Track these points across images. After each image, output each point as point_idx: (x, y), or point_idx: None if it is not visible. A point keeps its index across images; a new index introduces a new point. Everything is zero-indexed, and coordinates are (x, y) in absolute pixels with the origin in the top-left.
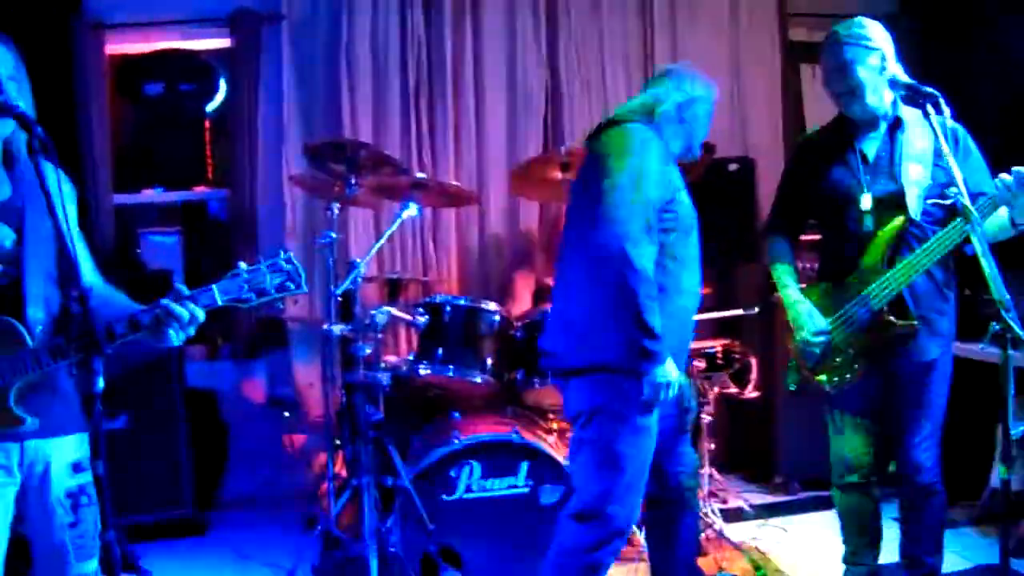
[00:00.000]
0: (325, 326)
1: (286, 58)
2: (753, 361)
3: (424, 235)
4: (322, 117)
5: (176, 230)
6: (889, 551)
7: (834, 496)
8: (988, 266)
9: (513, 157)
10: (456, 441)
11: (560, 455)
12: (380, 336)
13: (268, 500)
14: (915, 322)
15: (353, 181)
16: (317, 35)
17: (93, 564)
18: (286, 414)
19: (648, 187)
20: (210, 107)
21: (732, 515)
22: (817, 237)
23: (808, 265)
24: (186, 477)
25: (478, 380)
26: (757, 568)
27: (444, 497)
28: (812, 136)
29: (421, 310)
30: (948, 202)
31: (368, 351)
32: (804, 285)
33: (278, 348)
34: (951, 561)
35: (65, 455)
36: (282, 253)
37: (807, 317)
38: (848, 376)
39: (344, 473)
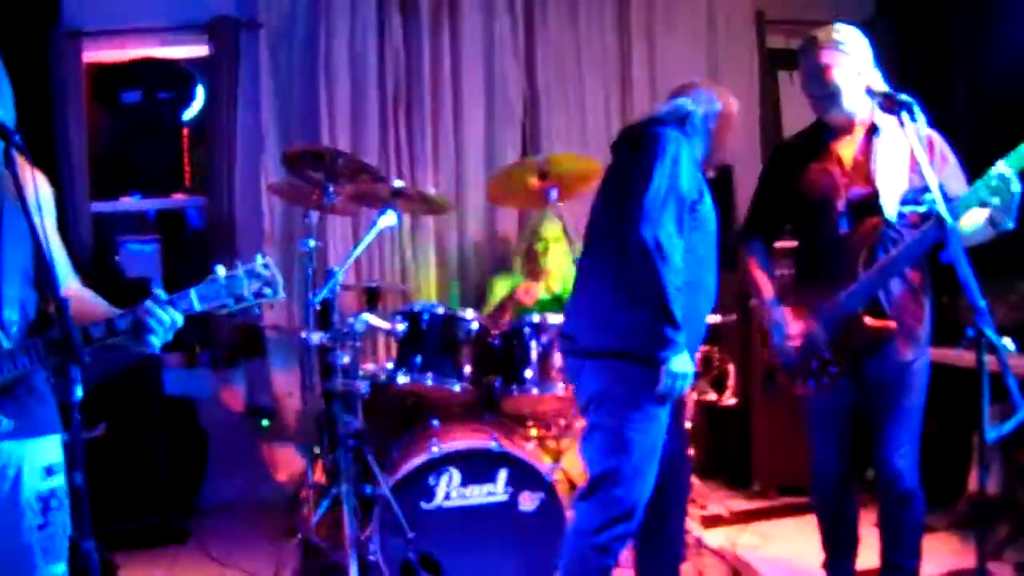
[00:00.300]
0: (303, 334)
1: (264, 66)
2: (731, 368)
3: (402, 242)
4: (300, 125)
5: (154, 238)
6: (868, 557)
7: (813, 501)
8: (963, 272)
9: (491, 164)
10: (435, 449)
11: (538, 463)
12: (358, 344)
13: (247, 508)
14: (890, 323)
15: (331, 189)
16: (295, 43)
17: (61, 567)
18: (264, 422)
19: (681, 187)
20: (188, 115)
21: (711, 521)
22: (792, 244)
23: (784, 272)
24: (164, 485)
25: (456, 388)
26: (736, 574)
27: (423, 505)
28: (789, 141)
29: (399, 318)
30: (923, 209)
31: (346, 359)
32: (780, 290)
33: (256, 356)
34: (929, 566)
35: (38, 458)
36: (259, 258)
37: (782, 321)
38: (825, 381)
39: (323, 481)
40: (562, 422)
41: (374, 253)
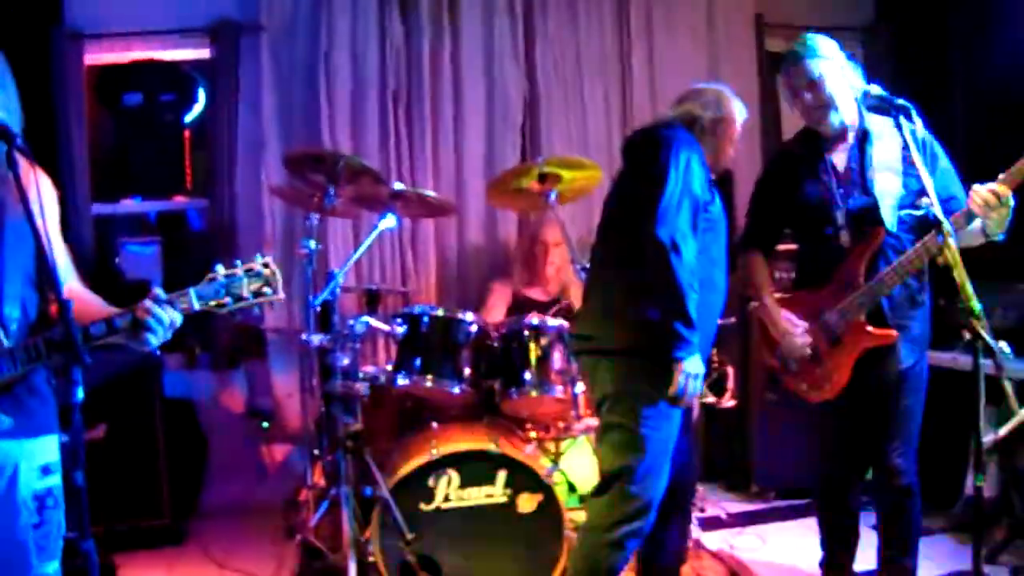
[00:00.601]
0: (304, 336)
1: (265, 68)
2: (730, 370)
3: (402, 245)
4: (301, 127)
5: (155, 240)
6: (865, 559)
7: (814, 502)
8: (961, 276)
9: (491, 167)
10: (434, 451)
11: (537, 465)
12: (358, 346)
13: (247, 510)
14: (892, 332)
15: (332, 191)
16: (296, 46)
17: (55, 565)
18: (264, 424)
19: (694, 188)
20: (189, 117)
21: (709, 523)
22: (793, 247)
23: (784, 275)
24: (164, 486)
25: (456, 390)
26: None
27: (422, 506)
28: (784, 149)
29: (399, 320)
30: (920, 212)
31: (346, 361)
32: (780, 295)
33: (256, 358)
34: (926, 568)
35: (35, 457)
36: (259, 257)
37: (787, 323)
38: (827, 386)
39: (323, 483)
40: (561, 424)
41: (374, 255)
